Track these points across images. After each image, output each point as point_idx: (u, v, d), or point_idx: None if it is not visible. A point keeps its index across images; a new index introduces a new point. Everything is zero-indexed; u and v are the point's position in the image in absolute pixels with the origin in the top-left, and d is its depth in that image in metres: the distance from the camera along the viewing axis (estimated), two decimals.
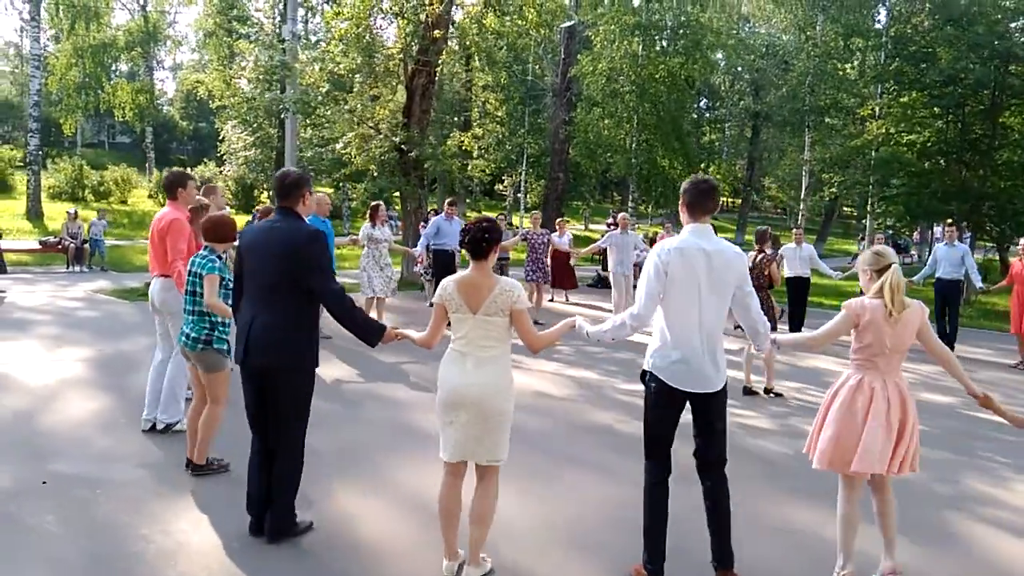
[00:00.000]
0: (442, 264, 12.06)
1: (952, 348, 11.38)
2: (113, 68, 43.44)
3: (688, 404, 3.87)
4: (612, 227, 23.55)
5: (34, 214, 27.31)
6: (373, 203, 11.27)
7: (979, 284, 11.41)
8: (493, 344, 3.66)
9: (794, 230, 12.64)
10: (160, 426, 5.82)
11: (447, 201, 12.95)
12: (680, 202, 3.80)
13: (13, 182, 35.22)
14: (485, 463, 3.71)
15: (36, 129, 27.84)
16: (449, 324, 3.82)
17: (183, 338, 4.88)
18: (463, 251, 3.85)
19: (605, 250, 20.10)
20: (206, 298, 4.73)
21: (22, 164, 32.77)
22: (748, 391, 8.01)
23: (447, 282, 3.74)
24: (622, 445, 6.04)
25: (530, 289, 12.38)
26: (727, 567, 3.85)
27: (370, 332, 4.11)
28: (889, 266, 3.77)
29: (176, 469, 5.07)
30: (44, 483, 4.78)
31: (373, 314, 10.44)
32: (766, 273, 8.03)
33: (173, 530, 4.24)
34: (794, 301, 11.87)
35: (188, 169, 39.16)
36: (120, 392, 6.92)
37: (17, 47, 55.18)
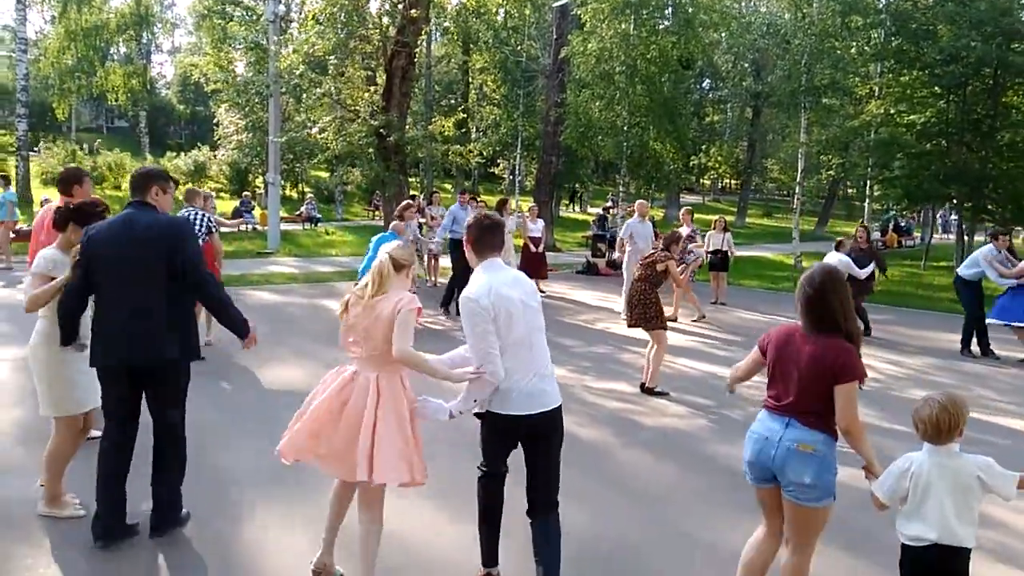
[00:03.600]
0: (462, 253, 11.77)
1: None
2: (111, 52, 42.93)
3: None
4: (607, 212, 23.18)
5: (24, 201, 27.00)
6: (404, 202, 11.69)
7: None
8: None
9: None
10: None
11: (460, 190, 12.89)
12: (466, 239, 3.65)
13: (6, 168, 34.90)
14: None
15: (24, 114, 27.48)
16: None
17: None
18: None
19: (595, 236, 19.77)
20: None
21: (13, 149, 32.44)
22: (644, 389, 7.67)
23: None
24: (578, 456, 5.63)
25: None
26: None
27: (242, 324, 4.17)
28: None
29: (81, 486, 4.71)
30: None
31: None
32: (659, 269, 7.72)
33: (65, 557, 3.88)
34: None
35: (182, 153, 39.17)
36: None
37: (14, 32, 54.45)
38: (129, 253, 3.89)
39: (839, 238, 12.25)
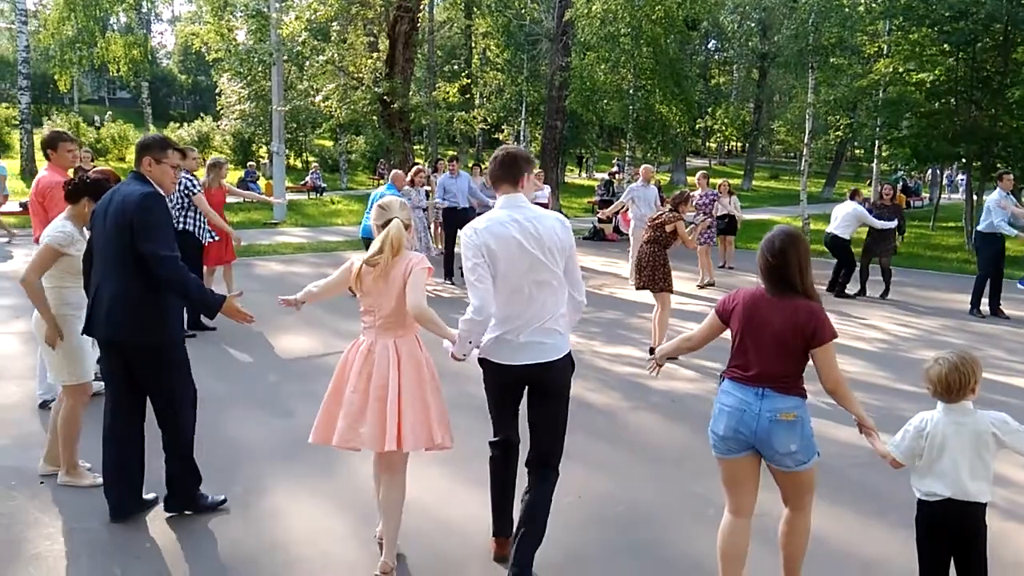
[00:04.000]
0: (453, 222, 11.74)
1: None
2: (111, 22, 42.58)
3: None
4: (613, 176, 23.03)
5: (28, 174, 26.96)
6: (415, 168, 11.79)
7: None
8: None
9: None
10: (39, 400, 5.62)
11: (448, 158, 12.78)
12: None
13: (11, 140, 34.78)
14: None
15: (27, 86, 27.39)
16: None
17: None
18: None
19: (600, 202, 19.67)
20: None
21: (17, 122, 32.30)
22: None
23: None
24: (588, 421, 5.68)
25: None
26: None
27: (207, 304, 3.95)
28: (391, 220, 3.48)
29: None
30: None
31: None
32: (668, 230, 7.70)
33: (84, 528, 3.95)
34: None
35: (185, 124, 39.00)
36: None
37: (13, 3, 53.73)
38: (105, 227, 3.81)
39: (855, 187, 12.20)
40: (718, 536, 3.33)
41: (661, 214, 7.90)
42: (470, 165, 13.39)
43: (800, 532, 3.30)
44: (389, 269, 3.43)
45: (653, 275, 7.60)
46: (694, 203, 12.09)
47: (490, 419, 3.69)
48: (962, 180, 28.48)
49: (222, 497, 4.22)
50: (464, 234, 3.41)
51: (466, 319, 3.32)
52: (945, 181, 34.62)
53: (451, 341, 3.47)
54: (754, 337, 3.15)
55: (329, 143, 36.98)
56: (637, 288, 7.89)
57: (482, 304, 3.29)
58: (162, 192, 3.92)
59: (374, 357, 3.46)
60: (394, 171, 11.07)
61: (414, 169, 11.65)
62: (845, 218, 11.08)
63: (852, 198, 11.40)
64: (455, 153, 26.95)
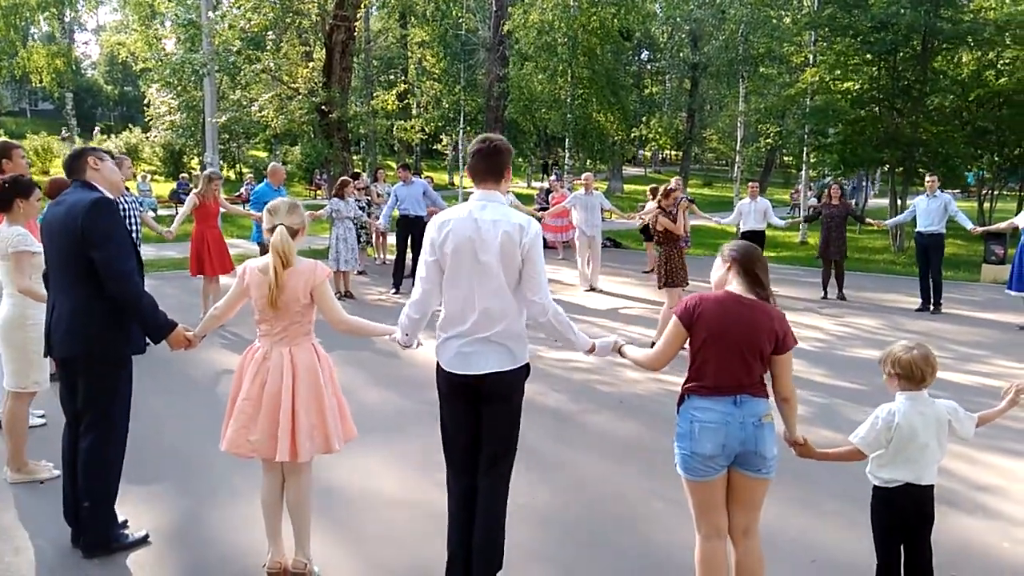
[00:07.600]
0: (407, 230, 11.59)
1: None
2: (33, 31, 41.18)
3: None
4: (552, 185, 23.23)
5: None
6: (341, 179, 11.70)
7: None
8: None
9: (749, 184, 12.57)
10: None
11: (399, 165, 12.76)
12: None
13: None
14: None
15: None
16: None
17: None
18: None
19: (540, 210, 19.85)
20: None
21: None
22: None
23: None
24: (538, 423, 5.72)
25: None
26: None
27: (156, 327, 3.64)
28: (275, 227, 3.34)
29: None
30: None
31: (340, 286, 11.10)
32: (660, 229, 8.21)
33: (51, 539, 3.86)
34: None
35: (112, 135, 37.90)
36: None
37: None
38: (54, 239, 3.63)
39: (754, 185, 12.80)
40: (700, 565, 3.11)
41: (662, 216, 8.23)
42: (409, 174, 13.29)
43: (761, 560, 3.12)
44: (285, 282, 3.31)
45: (666, 273, 8.22)
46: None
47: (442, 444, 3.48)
48: (866, 186, 29.63)
49: (144, 533, 3.88)
50: (429, 225, 3.31)
51: (404, 312, 3.38)
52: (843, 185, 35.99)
53: (383, 335, 3.59)
54: (727, 344, 2.98)
55: (263, 154, 36.39)
56: (660, 287, 8.37)
57: (419, 300, 3.32)
58: (111, 196, 3.71)
59: (268, 365, 3.38)
60: (272, 164, 11.11)
61: (340, 181, 11.56)
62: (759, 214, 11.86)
63: (754, 196, 12.02)
64: (408, 161, 26.81)
